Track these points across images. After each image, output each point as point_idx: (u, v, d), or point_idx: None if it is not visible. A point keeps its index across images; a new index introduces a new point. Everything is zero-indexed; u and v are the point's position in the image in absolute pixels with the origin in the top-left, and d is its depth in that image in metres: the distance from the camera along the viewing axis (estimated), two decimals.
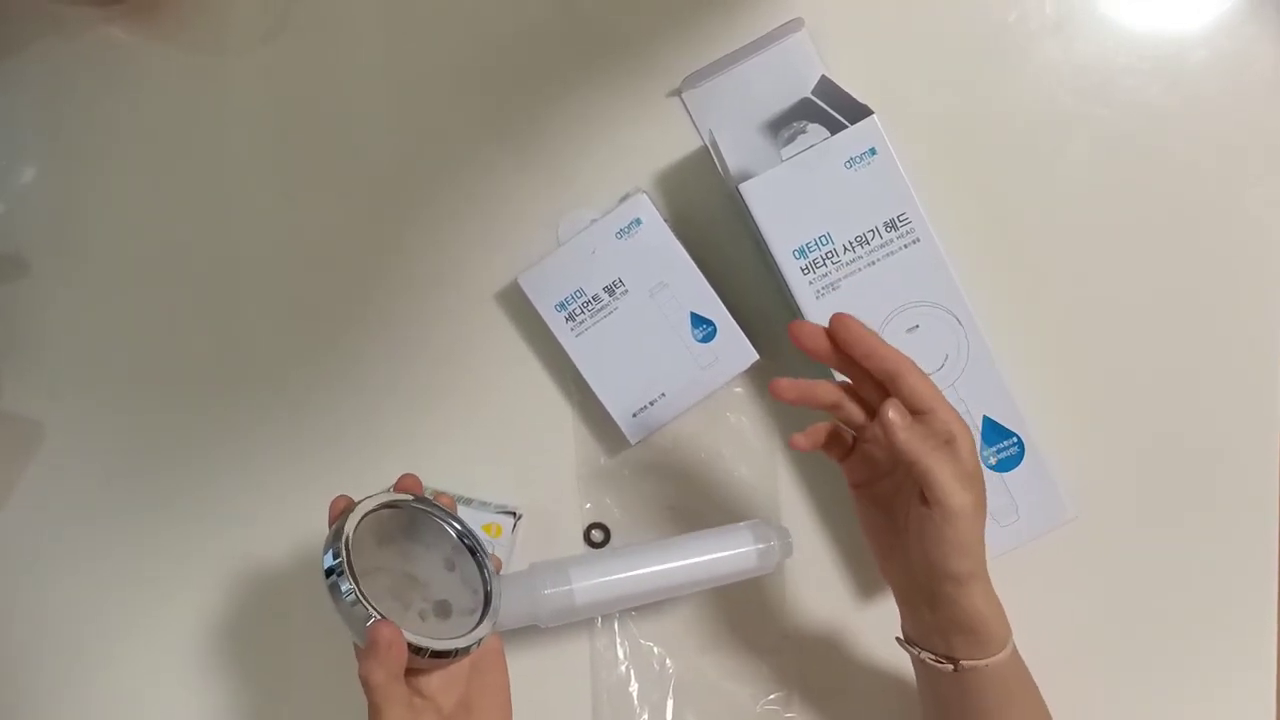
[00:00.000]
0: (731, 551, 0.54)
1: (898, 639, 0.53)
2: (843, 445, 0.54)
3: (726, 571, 0.54)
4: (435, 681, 0.49)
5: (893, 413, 0.47)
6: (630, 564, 0.53)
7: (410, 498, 0.51)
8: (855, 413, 0.51)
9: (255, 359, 0.67)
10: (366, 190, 0.66)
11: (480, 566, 0.51)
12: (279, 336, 0.67)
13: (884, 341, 0.48)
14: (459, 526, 0.51)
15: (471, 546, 0.51)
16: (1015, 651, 0.51)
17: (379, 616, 0.45)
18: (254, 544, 0.66)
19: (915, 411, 0.48)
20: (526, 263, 0.61)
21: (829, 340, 0.49)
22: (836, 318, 0.49)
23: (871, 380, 0.50)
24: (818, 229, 0.55)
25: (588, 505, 0.65)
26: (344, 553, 0.46)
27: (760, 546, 0.54)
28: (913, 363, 0.48)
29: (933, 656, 0.50)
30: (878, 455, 0.52)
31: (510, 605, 0.51)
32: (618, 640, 0.65)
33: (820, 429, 0.53)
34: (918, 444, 0.47)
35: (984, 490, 0.49)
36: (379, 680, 0.45)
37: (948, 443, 0.47)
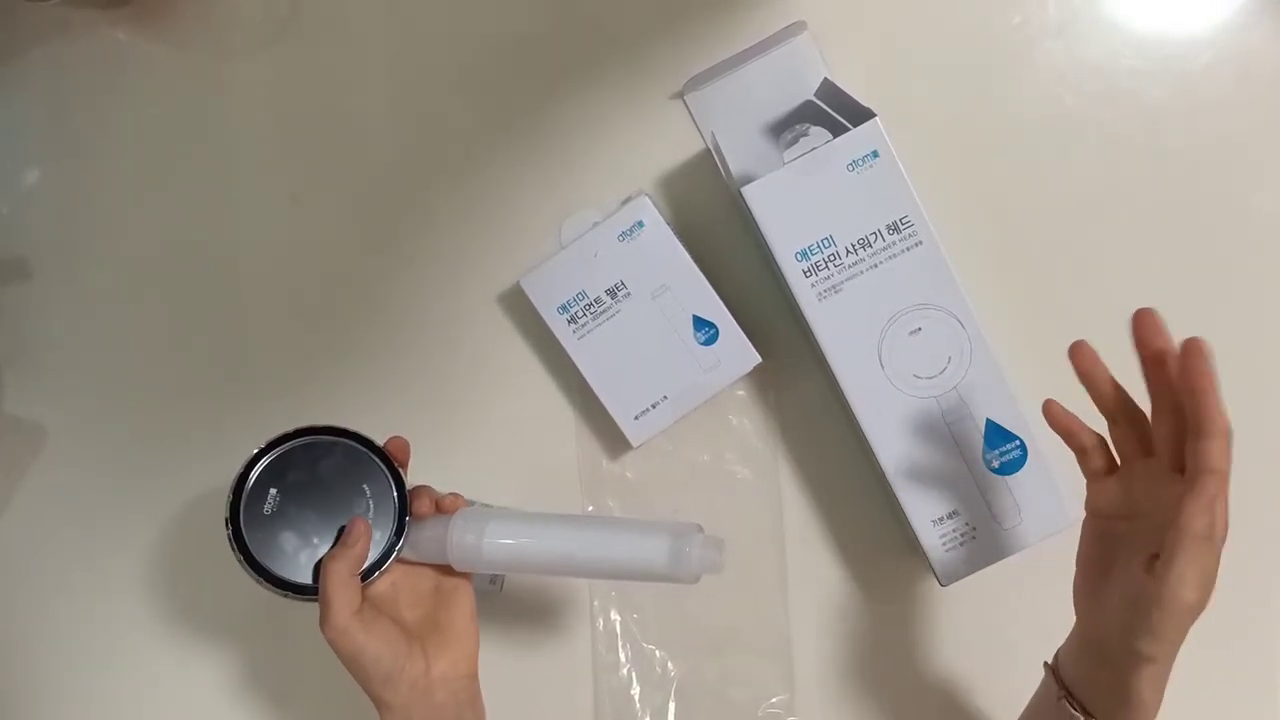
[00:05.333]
0: (641, 547, 0.50)
1: (1047, 664, 0.51)
2: (1103, 461, 0.49)
3: (629, 567, 0.51)
4: (395, 598, 0.52)
5: (1220, 459, 0.42)
6: (546, 533, 0.52)
7: (327, 429, 0.53)
8: (1130, 438, 0.48)
9: (258, 362, 0.67)
10: (369, 193, 0.66)
11: (397, 498, 0.53)
12: (282, 340, 0.67)
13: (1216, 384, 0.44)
14: (380, 459, 0.53)
15: (393, 476, 0.53)
16: None
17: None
18: None
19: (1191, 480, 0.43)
20: (529, 265, 0.61)
21: (1106, 375, 0.48)
22: (1188, 344, 0.44)
23: (1165, 419, 0.46)
24: (820, 232, 0.55)
25: (590, 508, 0.65)
26: (232, 514, 0.51)
27: (672, 549, 0.49)
28: (1229, 431, 0.44)
29: (1072, 706, 0.47)
30: (1135, 494, 0.48)
31: (423, 542, 0.52)
32: (619, 643, 0.65)
33: (1089, 432, 0.49)
34: (1203, 514, 0.42)
35: (1211, 594, 0.44)
36: (339, 570, 0.48)
37: (1208, 538, 0.42)
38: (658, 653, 0.65)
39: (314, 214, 0.67)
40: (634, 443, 0.61)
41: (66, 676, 0.68)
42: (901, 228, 0.55)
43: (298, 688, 0.67)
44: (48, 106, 0.68)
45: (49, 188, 0.68)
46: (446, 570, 0.53)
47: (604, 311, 0.60)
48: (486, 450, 0.65)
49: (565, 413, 0.65)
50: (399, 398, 0.66)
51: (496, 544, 0.51)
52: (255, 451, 0.51)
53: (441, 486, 0.63)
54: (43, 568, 0.68)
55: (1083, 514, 0.57)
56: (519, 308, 0.64)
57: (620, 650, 0.65)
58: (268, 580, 0.51)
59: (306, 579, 0.51)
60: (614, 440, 0.64)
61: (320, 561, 0.50)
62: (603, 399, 0.61)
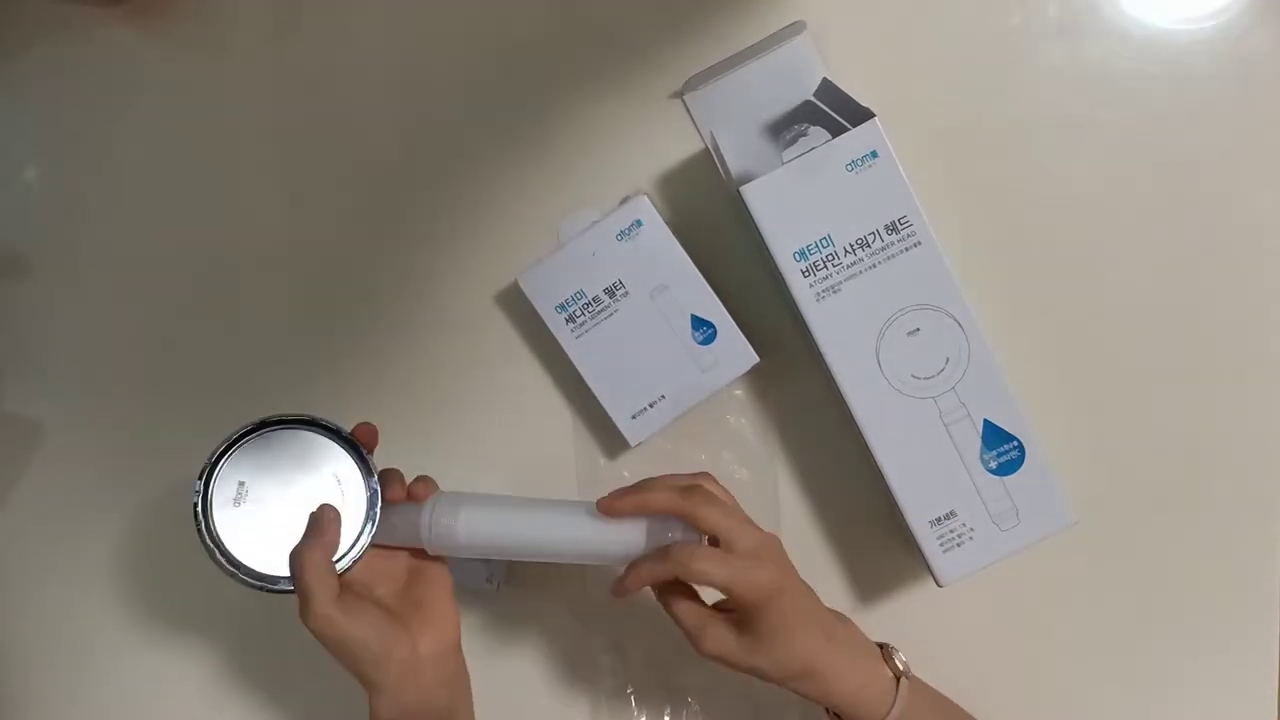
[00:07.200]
0: (621, 529, 0.52)
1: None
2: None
3: (609, 549, 0.52)
4: (371, 581, 0.52)
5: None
6: (523, 516, 0.53)
7: (293, 417, 0.52)
8: None
9: (256, 360, 0.67)
10: (368, 191, 0.66)
11: (368, 484, 0.52)
12: (280, 337, 0.67)
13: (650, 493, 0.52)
14: (348, 446, 0.52)
15: (362, 463, 0.52)
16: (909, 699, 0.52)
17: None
18: None
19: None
20: (527, 264, 0.61)
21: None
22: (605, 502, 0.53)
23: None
24: (818, 231, 0.55)
25: None
26: (200, 509, 0.50)
27: (652, 532, 0.52)
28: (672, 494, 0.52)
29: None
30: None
31: (398, 527, 0.52)
32: (617, 643, 0.65)
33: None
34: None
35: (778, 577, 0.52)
36: (313, 559, 0.48)
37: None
38: (656, 653, 0.64)
39: (314, 214, 0.67)
40: (632, 442, 0.61)
41: (65, 673, 0.68)
42: (900, 228, 0.54)
43: (303, 682, 0.67)
44: (47, 103, 0.68)
45: (48, 186, 0.68)
46: (420, 551, 0.53)
47: (602, 310, 0.60)
48: (484, 448, 0.65)
49: (563, 412, 0.65)
50: (397, 395, 0.66)
51: (473, 528, 0.52)
52: (219, 445, 0.51)
53: (439, 485, 0.63)
54: (39, 565, 0.68)
55: (1081, 516, 0.58)
56: (517, 306, 0.64)
57: (616, 651, 0.65)
58: (243, 575, 0.50)
59: (283, 571, 0.50)
60: (612, 439, 0.64)
61: (293, 552, 0.49)
62: (600, 398, 0.61)
